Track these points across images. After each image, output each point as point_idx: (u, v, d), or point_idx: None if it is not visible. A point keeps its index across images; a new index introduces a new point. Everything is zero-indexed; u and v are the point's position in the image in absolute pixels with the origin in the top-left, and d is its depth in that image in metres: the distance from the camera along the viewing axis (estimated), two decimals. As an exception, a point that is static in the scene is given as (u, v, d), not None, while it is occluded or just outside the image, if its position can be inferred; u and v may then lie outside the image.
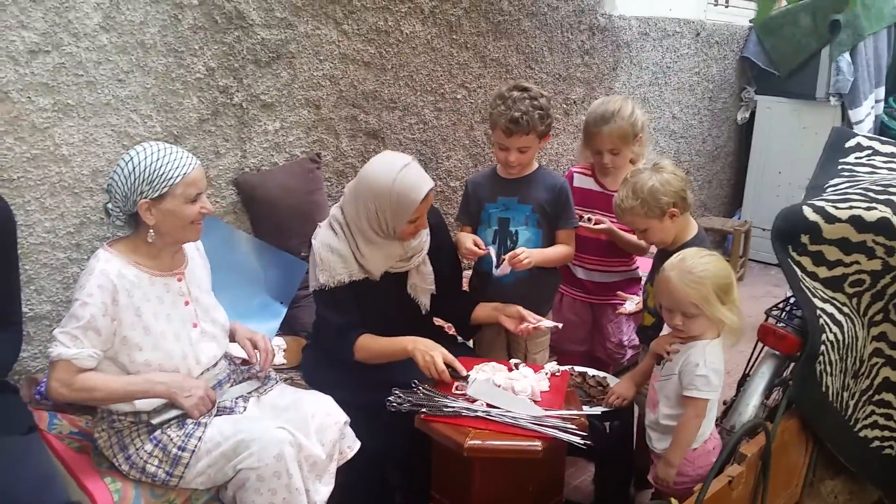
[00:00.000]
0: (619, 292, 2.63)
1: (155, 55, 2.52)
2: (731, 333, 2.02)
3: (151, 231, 1.94)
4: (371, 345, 2.24)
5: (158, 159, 1.91)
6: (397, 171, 2.16)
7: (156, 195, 1.90)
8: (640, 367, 2.33)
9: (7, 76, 2.21)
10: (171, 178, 1.91)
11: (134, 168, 1.89)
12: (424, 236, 2.36)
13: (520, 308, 2.37)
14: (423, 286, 2.38)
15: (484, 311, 2.45)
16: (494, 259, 2.41)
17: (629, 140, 2.54)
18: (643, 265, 2.86)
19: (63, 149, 2.36)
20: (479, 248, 2.39)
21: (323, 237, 2.27)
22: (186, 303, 2.04)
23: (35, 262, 2.36)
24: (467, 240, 2.41)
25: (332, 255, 2.23)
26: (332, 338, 2.29)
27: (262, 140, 2.90)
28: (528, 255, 2.34)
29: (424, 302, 2.40)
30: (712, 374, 1.95)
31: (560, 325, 2.42)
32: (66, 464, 2.03)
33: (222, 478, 1.95)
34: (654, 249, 2.54)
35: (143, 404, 1.96)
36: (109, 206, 1.96)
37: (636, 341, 2.72)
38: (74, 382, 1.88)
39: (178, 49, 2.57)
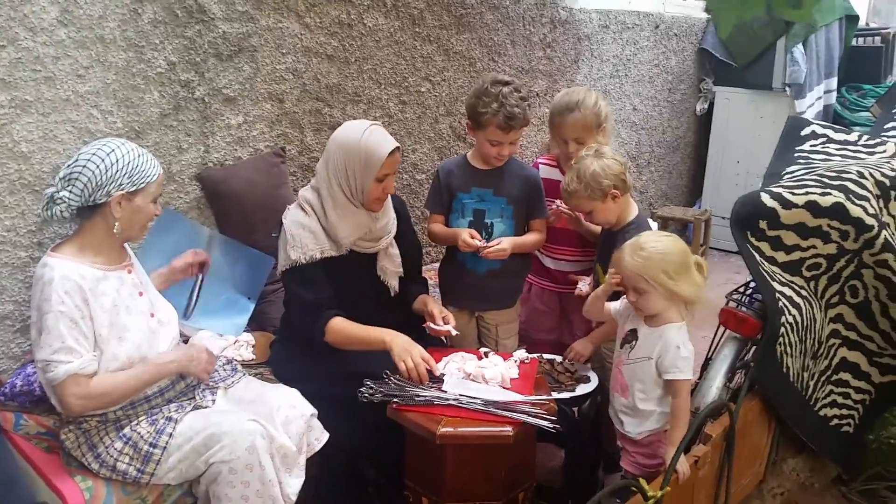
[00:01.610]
0: (570, 274, 2.67)
1: (115, 50, 2.48)
2: (685, 309, 2.07)
3: (117, 224, 1.96)
4: (345, 329, 2.25)
5: (140, 156, 1.98)
6: (365, 128, 2.27)
7: (132, 189, 1.94)
8: (599, 330, 2.43)
9: (-38, 72, 2.16)
10: (150, 175, 1.98)
11: (117, 160, 1.92)
12: (391, 216, 2.41)
13: (433, 310, 2.39)
14: (391, 268, 2.42)
15: (417, 303, 2.50)
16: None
17: (593, 129, 2.58)
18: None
19: (22, 146, 2.31)
20: (477, 240, 2.42)
21: (293, 216, 2.32)
22: (141, 294, 2.06)
23: (-5, 262, 2.32)
24: (464, 232, 2.43)
25: (303, 231, 2.27)
26: (303, 315, 2.28)
27: (226, 134, 2.88)
28: (504, 245, 2.41)
29: (393, 284, 2.43)
30: (690, 354, 2.02)
31: (454, 333, 2.41)
32: (34, 464, 2.00)
33: (194, 472, 1.94)
34: None
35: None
36: (64, 194, 1.91)
37: None
38: (90, 392, 1.88)
39: (139, 43, 2.54)
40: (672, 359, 2.00)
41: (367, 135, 2.24)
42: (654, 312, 2.05)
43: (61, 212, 1.92)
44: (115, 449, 1.94)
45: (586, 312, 2.35)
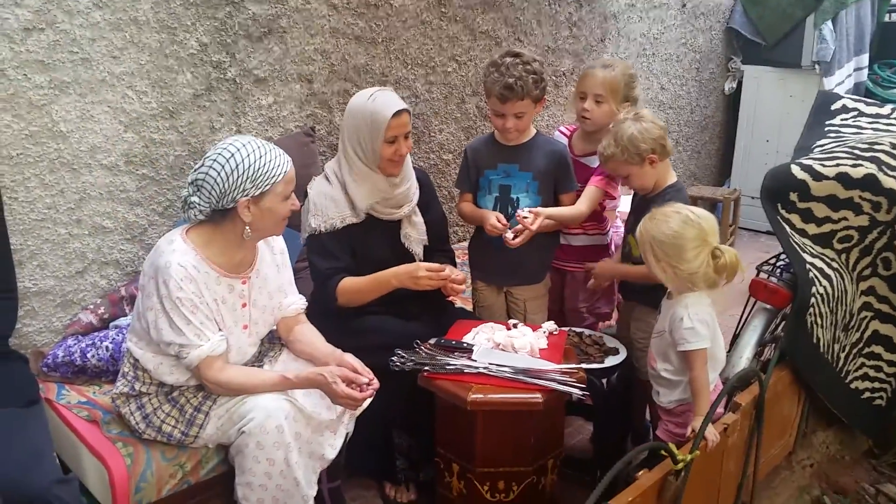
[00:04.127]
0: (568, 248, 2.66)
1: (148, 31, 2.53)
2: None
3: (248, 228, 1.94)
4: (351, 285, 2.32)
5: (261, 157, 1.90)
6: (372, 92, 2.32)
7: (258, 193, 1.90)
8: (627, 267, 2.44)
9: (3, 54, 2.22)
10: (274, 176, 1.91)
11: (237, 165, 1.88)
12: (412, 183, 2.44)
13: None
14: (416, 236, 2.46)
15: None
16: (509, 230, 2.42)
17: (618, 94, 2.54)
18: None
19: (61, 125, 2.37)
20: (503, 224, 2.41)
21: (318, 186, 2.38)
22: (244, 305, 2.05)
23: (37, 238, 2.39)
24: (491, 217, 2.43)
25: (325, 200, 2.33)
26: (318, 284, 2.37)
27: (256, 115, 2.92)
28: (533, 216, 2.37)
29: (418, 252, 2.46)
30: (699, 325, 1.97)
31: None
32: (77, 432, 2.08)
33: (226, 439, 1.99)
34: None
35: (172, 378, 2.00)
36: (195, 199, 1.92)
37: (600, 310, 2.76)
38: (222, 381, 1.93)
39: (171, 25, 2.58)
40: (678, 331, 1.98)
41: (372, 98, 2.29)
42: (653, 276, 2.06)
43: (196, 215, 1.94)
44: (163, 411, 1.99)
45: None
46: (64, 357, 2.32)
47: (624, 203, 2.83)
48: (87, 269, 2.52)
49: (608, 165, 2.37)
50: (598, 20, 4.42)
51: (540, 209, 2.42)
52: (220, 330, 1.96)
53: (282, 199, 1.96)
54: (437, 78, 3.60)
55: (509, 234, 2.37)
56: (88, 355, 2.31)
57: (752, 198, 5.17)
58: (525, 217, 2.37)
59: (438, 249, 2.56)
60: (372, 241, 2.38)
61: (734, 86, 5.65)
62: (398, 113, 2.27)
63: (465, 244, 2.82)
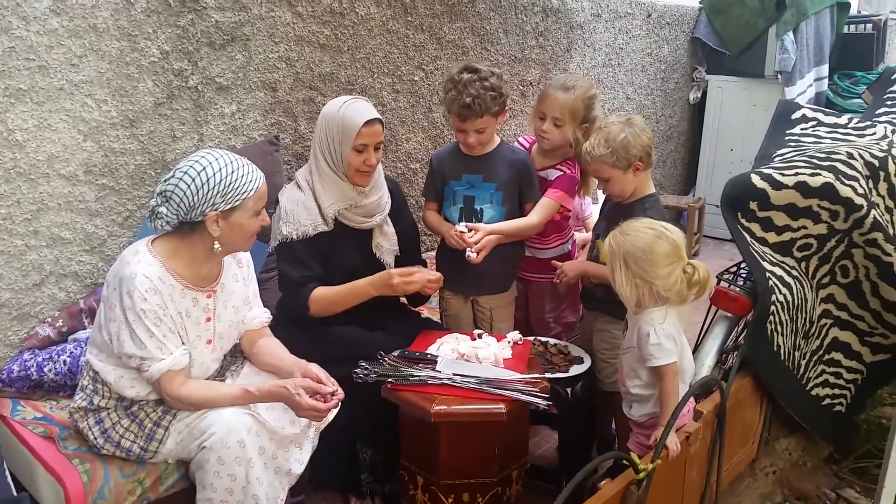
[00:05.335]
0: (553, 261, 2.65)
1: (108, 39, 2.49)
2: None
3: (216, 243, 1.92)
4: (327, 295, 2.30)
5: (233, 171, 1.89)
6: (346, 100, 2.33)
7: (227, 208, 1.89)
8: (592, 264, 2.42)
9: (-44, 61, 2.18)
10: (245, 191, 1.90)
11: (208, 179, 1.86)
12: (383, 193, 2.43)
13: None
14: (387, 246, 2.45)
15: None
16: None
17: (577, 117, 2.52)
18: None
19: (17, 134, 2.32)
20: (463, 240, 2.41)
21: (290, 193, 2.36)
22: (208, 319, 2.02)
23: (-8, 250, 2.33)
24: (451, 229, 2.45)
25: (297, 208, 2.31)
26: (288, 293, 2.34)
27: (219, 123, 2.89)
28: (481, 234, 2.39)
29: (389, 262, 2.45)
30: (665, 340, 1.97)
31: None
32: (32, 449, 2.03)
33: (187, 454, 1.96)
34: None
35: (132, 392, 1.96)
36: (163, 210, 1.89)
37: (566, 319, 2.76)
38: (182, 395, 1.90)
39: (132, 32, 2.55)
40: (645, 347, 1.98)
41: (345, 105, 2.29)
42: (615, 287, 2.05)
43: (162, 226, 1.91)
44: (122, 426, 1.96)
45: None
46: (20, 372, 2.27)
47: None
48: (45, 282, 2.47)
49: (592, 165, 2.34)
50: (565, 30, 4.45)
51: (480, 225, 2.44)
52: (182, 344, 1.93)
53: (251, 215, 1.94)
54: (403, 87, 3.60)
55: (472, 254, 2.37)
56: (45, 369, 2.26)
57: (717, 206, 5.16)
58: (463, 232, 2.39)
59: (410, 259, 2.55)
60: (343, 249, 2.37)
61: (699, 95, 5.73)
62: (370, 122, 2.26)
63: (433, 253, 2.81)
